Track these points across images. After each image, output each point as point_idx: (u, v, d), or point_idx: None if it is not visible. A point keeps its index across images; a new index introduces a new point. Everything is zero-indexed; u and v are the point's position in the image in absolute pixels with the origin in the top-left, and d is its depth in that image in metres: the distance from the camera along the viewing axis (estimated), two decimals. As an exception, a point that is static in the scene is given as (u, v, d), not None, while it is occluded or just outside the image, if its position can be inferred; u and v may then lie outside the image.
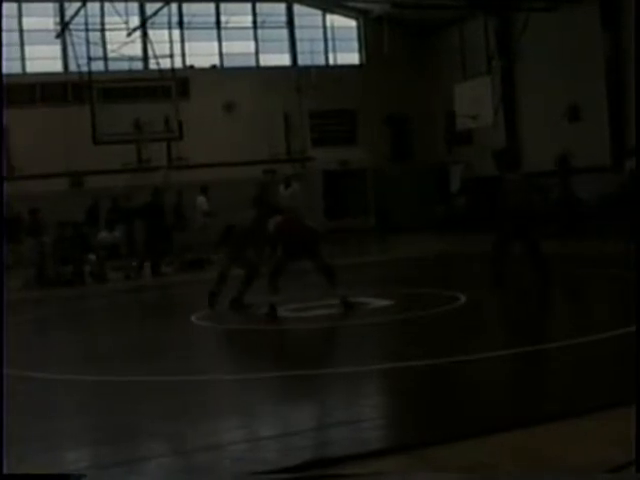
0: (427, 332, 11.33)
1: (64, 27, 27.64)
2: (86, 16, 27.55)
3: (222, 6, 31.63)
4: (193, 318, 13.19)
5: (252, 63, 32.10)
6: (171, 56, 27.23)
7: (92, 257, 20.54)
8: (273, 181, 23.17)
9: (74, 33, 27.36)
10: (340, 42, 33.31)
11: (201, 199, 23.13)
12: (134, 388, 8.85)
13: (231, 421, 7.48)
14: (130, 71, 28.47)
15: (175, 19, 30.41)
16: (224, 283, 13.78)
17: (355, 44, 33.74)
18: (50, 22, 29.12)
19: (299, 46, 32.76)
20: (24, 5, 29.46)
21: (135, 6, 29.73)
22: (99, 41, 29.04)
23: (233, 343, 12.12)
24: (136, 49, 29.61)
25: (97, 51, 28.20)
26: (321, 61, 33.05)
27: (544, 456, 5.79)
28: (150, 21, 28.15)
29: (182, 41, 31.02)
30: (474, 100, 25.75)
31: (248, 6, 32.06)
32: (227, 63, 31.76)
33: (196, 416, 7.52)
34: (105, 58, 28.91)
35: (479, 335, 11.08)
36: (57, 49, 29.82)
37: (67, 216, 21.54)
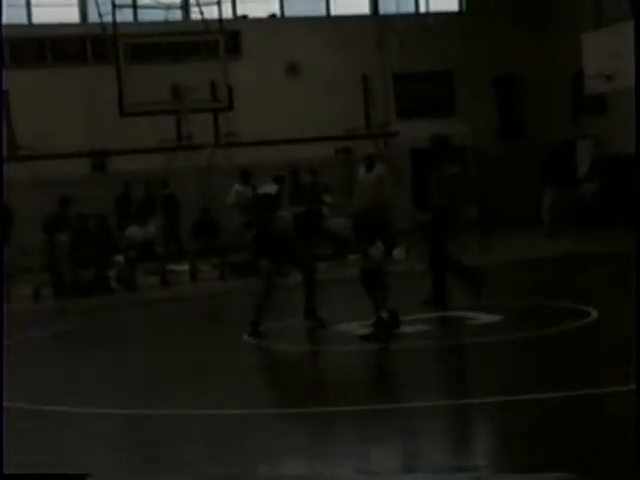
0: (546, 357, 11.30)
1: (83, -33, 28.08)
2: (110, -49, 27.97)
3: (283, -61, 31.81)
4: (245, 336, 13.37)
5: (322, 12, 32.23)
6: (218, 3, 27.46)
7: (119, 259, 20.85)
8: (349, 162, 23.11)
9: (95, -27, 27.73)
10: (434, -17, 33.36)
11: (237, 188, 22.34)
12: (174, 423, 9.03)
13: (295, 462, 7.62)
14: (166, 22, 28.77)
15: (223, -45, 30.68)
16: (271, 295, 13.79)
17: (453, -15, 33.79)
18: (64, -41, 29.56)
19: (381, -11, 32.87)
20: (32, -62, 29.92)
21: (172, -61, 30.06)
22: (127, -17, 29.46)
23: (291, 367, 12.26)
24: (174, -6, 30.04)
25: (124, -4, 28.61)
26: (409, 8, 33.04)
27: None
28: (191, -42, 28.47)
29: (232, -16, 31.32)
30: (610, 55, 25.46)
31: (316, -62, 32.25)
32: (289, 12, 31.92)
33: (253, 456, 7.69)
34: (134, 6, 29.26)
35: (616, 362, 10.99)
36: (73, -6, 30.26)
37: (87, 207, 21.87)
